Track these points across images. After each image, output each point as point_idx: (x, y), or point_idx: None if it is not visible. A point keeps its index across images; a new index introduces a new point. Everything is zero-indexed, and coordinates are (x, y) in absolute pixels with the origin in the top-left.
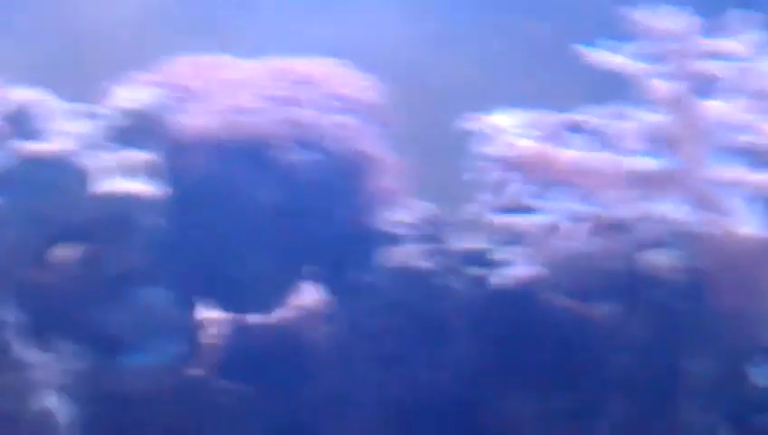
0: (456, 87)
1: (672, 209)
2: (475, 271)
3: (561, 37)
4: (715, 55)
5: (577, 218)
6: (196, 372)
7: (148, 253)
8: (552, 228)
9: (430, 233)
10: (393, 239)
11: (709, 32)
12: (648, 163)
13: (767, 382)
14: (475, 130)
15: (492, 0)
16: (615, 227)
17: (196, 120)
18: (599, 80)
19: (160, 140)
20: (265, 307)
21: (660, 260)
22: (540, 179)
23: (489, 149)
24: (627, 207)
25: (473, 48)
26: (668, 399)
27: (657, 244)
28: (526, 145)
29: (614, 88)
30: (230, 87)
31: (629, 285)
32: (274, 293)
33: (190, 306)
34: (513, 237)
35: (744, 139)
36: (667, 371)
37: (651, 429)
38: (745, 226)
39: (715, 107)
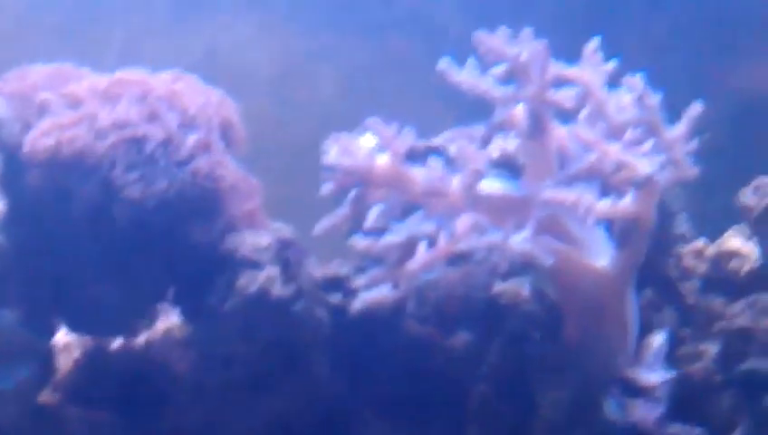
0: (321, 105)
1: (523, 238)
2: (333, 298)
3: (433, 55)
4: (566, 82)
5: (434, 244)
6: (47, 398)
7: None
8: (411, 253)
9: (289, 258)
10: (250, 264)
11: (568, 57)
12: (500, 187)
13: (619, 415)
14: (333, 148)
15: (361, 17)
16: (471, 255)
17: (38, 134)
18: (469, 100)
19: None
20: (119, 332)
21: (516, 289)
22: (396, 201)
23: (346, 168)
24: (481, 234)
25: (340, 64)
26: (524, 430)
27: (513, 272)
28: (382, 164)
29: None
30: (78, 100)
31: (487, 314)
32: (127, 317)
33: (39, 330)
34: (373, 262)
35: (593, 166)
36: (522, 402)
37: None
38: (596, 255)
39: (565, 133)
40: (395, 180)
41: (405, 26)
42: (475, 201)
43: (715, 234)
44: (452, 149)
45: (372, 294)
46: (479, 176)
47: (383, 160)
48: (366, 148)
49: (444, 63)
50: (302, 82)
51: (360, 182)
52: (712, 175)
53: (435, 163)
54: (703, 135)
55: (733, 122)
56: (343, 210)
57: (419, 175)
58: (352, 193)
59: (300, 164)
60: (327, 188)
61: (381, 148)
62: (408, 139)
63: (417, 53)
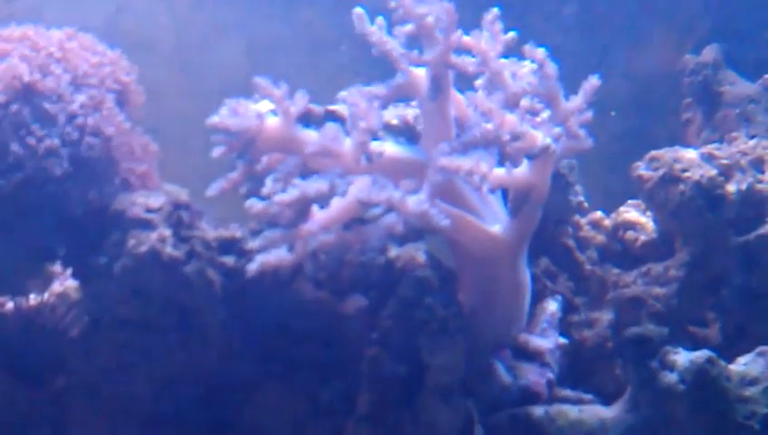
0: (223, 76)
1: (419, 199)
2: (227, 259)
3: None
4: (467, 50)
5: (328, 206)
6: None
7: None
8: (306, 215)
9: (182, 219)
10: (142, 224)
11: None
12: (395, 150)
13: (510, 379)
14: (222, 110)
15: None
16: (366, 219)
17: None
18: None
19: None
20: (8, 292)
21: (411, 254)
22: (292, 166)
23: (234, 129)
24: (376, 196)
25: (246, 36)
26: (415, 395)
27: (408, 237)
28: (272, 125)
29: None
30: None
31: (381, 279)
32: (17, 277)
33: None
34: (267, 224)
35: (490, 134)
36: (413, 365)
37: (398, 425)
38: (490, 222)
39: (464, 100)
40: (286, 142)
41: None
42: (368, 161)
43: (614, 208)
44: (345, 107)
45: (268, 256)
46: (371, 133)
47: (273, 121)
48: (255, 109)
49: (357, 12)
50: (205, 52)
51: (249, 145)
52: (613, 152)
53: (330, 126)
54: (608, 113)
55: (634, 102)
56: (234, 174)
57: (311, 136)
58: (243, 156)
59: (198, 134)
60: (217, 151)
61: (276, 110)
62: (300, 101)
63: (327, 26)
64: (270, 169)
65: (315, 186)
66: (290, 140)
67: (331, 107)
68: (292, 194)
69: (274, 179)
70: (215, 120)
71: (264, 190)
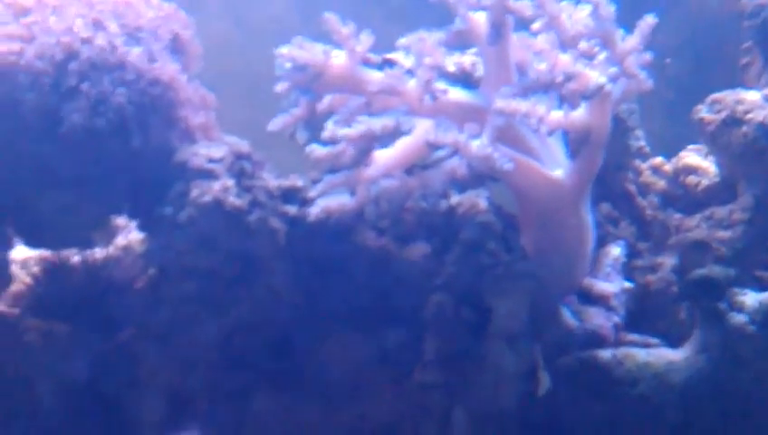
0: (278, 26)
1: (483, 142)
2: (290, 208)
3: None
4: None
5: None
6: (3, 308)
7: None
8: (366, 160)
9: (244, 168)
10: (205, 175)
11: None
12: (457, 94)
13: (575, 323)
14: (288, 46)
15: None
16: (429, 163)
17: None
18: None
19: None
20: (75, 245)
21: (473, 200)
22: (353, 109)
23: (300, 62)
24: (442, 137)
25: None
26: (481, 340)
27: (470, 182)
28: (337, 62)
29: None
30: (24, 10)
31: (443, 225)
32: (83, 230)
33: None
34: (328, 170)
35: (547, 76)
36: (478, 311)
37: (465, 371)
38: (552, 166)
39: (521, 43)
40: (350, 80)
41: None
42: (432, 101)
43: (672, 156)
44: (402, 55)
45: (329, 201)
46: (437, 71)
47: (338, 59)
48: (321, 46)
49: None
50: (257, 6)
51: (314, 80)
52: (669, 99)
53: (395, 68)
54: (664, 60)
55: (691, 47)
56: (298, 109)
57: (375, 75)
58: (307, 92)
59: (253, 88)
60: (282, 86)
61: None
62: (366, 41)
63: None
64: (332, 111)
65: (381, 122)
66: (354, 79)
67: (389, 55)
68: (357, 129)
69: (336, 121)
70: (283, 50)
71: (326, 133)
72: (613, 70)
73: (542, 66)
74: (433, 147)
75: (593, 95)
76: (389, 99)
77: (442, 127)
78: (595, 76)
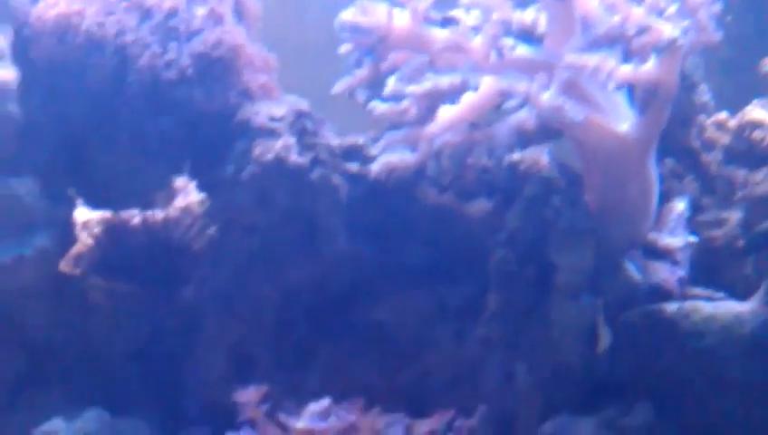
0: None
1: (551, 94)
2: (351, 165)
3: None
4: None
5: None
6: (68, 268)
7: (8, 141)
8: (429, 117)
9: (305, 126)
10: (267, 133)
11: None
12: (522, 50)
13: (641, 277)
14: (351, 9)
15: None
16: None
17: (48, 5)
18: None
19: (8, 24)
20: (137, 204)
21: (535, 157)
22: (416, 66)
23: (364, 26)
24: (515, 86)
25: None
26: (544, 295)
27: (533, 140)
28: (401, 23)
29: None
30: None
31: (506, 180)
32: (144, 189)
33: (56, 199)
34: (389, 127)
35: (616, 29)
36: (542, 265)
37: (528, 325)
38: (618, 120)
39: None
40: (414, 39)
41: None
42: (498, 57)
43: (733, 111)
44: (463, 12)
45: (391, 156)
46: (504, 26)
47: (403, 19)
48: (384, 8)
49: None
50: None
51: (378, 41)
52: (729, 57)
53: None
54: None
55: (751, 5)
56: (362, 71)
57: (440, 33)
58: (371, 53)
59: (309, 52)
60: (345, 48)
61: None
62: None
63: None
64: (394, 69)
65: (448, 79)
66: (419, 37)
67: (450, 13)
68: (424, 86)
69: (399, 78)
70: (346, 16)
71: (387, 90)
72: (685, 23)
73: (615, 19)
74: (503, 98)
75: (666, 49)
76: (454, 56)
77: (512, 77)
78: (668, 29)
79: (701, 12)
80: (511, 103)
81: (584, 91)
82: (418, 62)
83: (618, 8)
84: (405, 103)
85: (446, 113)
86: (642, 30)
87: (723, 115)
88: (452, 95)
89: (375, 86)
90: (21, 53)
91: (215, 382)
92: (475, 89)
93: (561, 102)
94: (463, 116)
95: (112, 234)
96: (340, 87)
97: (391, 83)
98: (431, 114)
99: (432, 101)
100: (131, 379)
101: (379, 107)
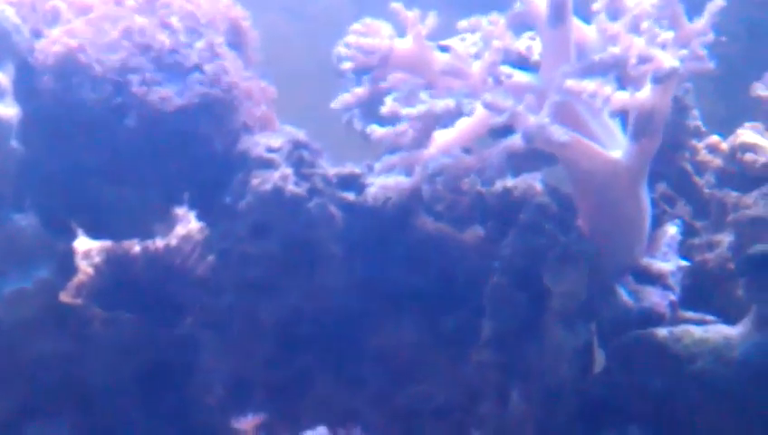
0: (334, 14)
1: (542, 116)
2: (348, 195)
3: None
4: None
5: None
6: (68, 299)
7: (10, 177)
8: (425, 142)
9: (302, 157)
10: (264, 164)
11: None
12: (518, 76)
13: (632, 301)
14: (355, 27)
15: None
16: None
17: (48, 41)
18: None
19: (10, 61)
20: (136, 235)
21: (529, 183)
22: (414, 87)
23: (366, 47)
24: (501, 102)
25: None
26: (538, 320)
27: (527, 160)
28: (403, 45)
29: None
30: (87, 7)
31: (500, 207)
32: (144, 220)
33: (57, 232)
34: (388, 150)
35: (614, 58)
36: (536, 292)
37: (522, 350)
38: (611, 146)
39: (585, 26)
40: (415, 61)
41: None
42: (496, 83)
43: (726, 134)
44: (457, 41)
45: (387, 180)
46: (502, 53)
47: (403, 42)
48: (388, 29)
49: None
50: None
51: (380, 62)
52: (722, 77)
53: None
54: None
55: (745, 27)
56: (360, 89)
57: (440, 56)
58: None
59: (310, 77)
60: (346, 66)
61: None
62: (431, 21)
63: None
64: (392, 89)
65: (443, 102)
66: (419, 60)
67: (443, 42)
68: (419, 108)
69: (396, 98)
70: (350, 38)
71: (385, 109)
72: (683, 52)
73: (615, 49)
74: (491, 118)
75: (665, 78)
76: (452, 81)
77: (501, 94)
78: (668, 59)
79: (695, 41)
80: (498, 120)
81: (577, 117)
82: (415, 84)
83: (620, 38)
84: (402, 126)
85: (440, 137)
86: (644, 59)
87: (715, 138)
88: (448, 119)
89: (371, 115)
90: (22, 89)
91: (213, 410)
92: (471, 114)
93: (548, 123)
94: (457, 141)
95: (113, 263)
96: (337, 104)
97: (389, 102)
98: (427, 138)
99: (428, 125)
100: (131, 406)
101: (376, 131)
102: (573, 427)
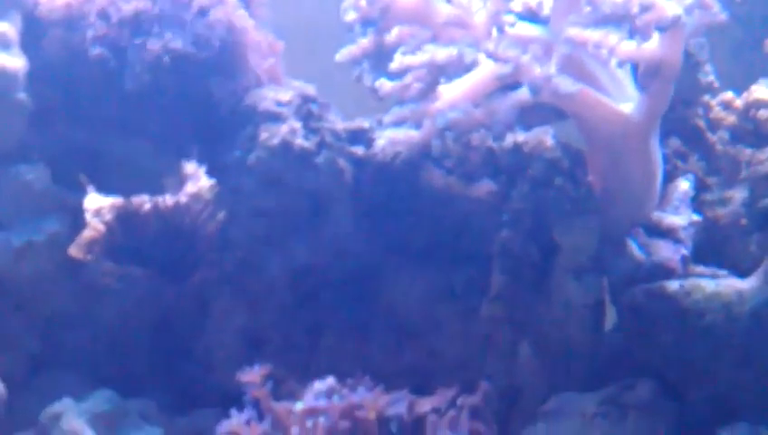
0: None
1: (549, 67)
2: (356, 149)
3: None
4: None
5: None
6: (79, 253)
7: (18, 130)
8: (433, 93)
9: (311, 111)
10: (273, 118)
11: None
12: (525, 27)
13: (643, 255)
14: None
15: None
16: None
17: None
18: None
19: (16, 12)
20: (146, 190)
21: (539, 138)
22: (420, 40)
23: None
24: (504, 51)
25: None
26: (548, 274)
27: (535, 113)
28: None
29: None
30: None
31: (510, 162)
32: (154, 174)
33: (67, 186)
34: (396, 103)
35: (620, 7)
36: (545, 246)
37: (531, 305)
38: (621, 99)
39: None
40: (418, 11)
41: None
42: (499, 33)
43: (738, 94)
44: None
45: (396, 133)
46: (507, 4)
47: None
48: None
49: None
50: None
51: (383, 12)
52: (737, 38)
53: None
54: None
55: None
56: (365, 41)
57: (444, 6)
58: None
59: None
60: (351, 16)
61: None
62: None
63: None
64: (399, 43)
65: (445, 51)
66: (422, 11)
67: None
68: (421, 57)
69: (404, 52)
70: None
71: (394, 64)
72: (689, 1)
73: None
74: (497, 71)
75: (669, 27)
76: (456, 31)
77: (506, 43)
78: (671, 7)
79: None
80: (503, 70)
81: (586, 69)
82: (423, 37)
83: None
84: (408, 78)
85: (448, 91)
86: (645, 8)
87: (729, 94)
88: (452, 71)
89: (379, 67)
90: (29, 42)
91: (224, 364)
92: (474, 64)
93: (554, 73)
94: (464, 95)
95: (124, 220)
96: (342, 57)
97: (398, 57)
98: (434, 90)
99: (433, 76)
100: (142, 361)
101: (385, 85)
102: (583, 380)
